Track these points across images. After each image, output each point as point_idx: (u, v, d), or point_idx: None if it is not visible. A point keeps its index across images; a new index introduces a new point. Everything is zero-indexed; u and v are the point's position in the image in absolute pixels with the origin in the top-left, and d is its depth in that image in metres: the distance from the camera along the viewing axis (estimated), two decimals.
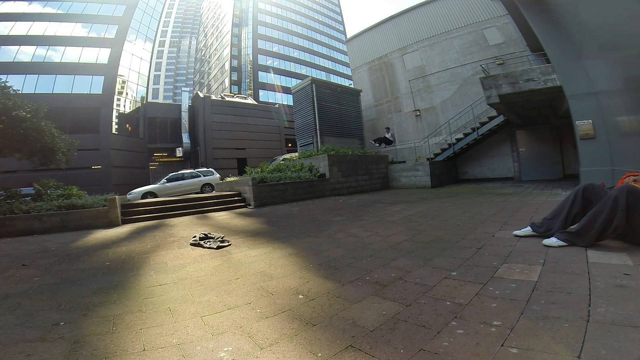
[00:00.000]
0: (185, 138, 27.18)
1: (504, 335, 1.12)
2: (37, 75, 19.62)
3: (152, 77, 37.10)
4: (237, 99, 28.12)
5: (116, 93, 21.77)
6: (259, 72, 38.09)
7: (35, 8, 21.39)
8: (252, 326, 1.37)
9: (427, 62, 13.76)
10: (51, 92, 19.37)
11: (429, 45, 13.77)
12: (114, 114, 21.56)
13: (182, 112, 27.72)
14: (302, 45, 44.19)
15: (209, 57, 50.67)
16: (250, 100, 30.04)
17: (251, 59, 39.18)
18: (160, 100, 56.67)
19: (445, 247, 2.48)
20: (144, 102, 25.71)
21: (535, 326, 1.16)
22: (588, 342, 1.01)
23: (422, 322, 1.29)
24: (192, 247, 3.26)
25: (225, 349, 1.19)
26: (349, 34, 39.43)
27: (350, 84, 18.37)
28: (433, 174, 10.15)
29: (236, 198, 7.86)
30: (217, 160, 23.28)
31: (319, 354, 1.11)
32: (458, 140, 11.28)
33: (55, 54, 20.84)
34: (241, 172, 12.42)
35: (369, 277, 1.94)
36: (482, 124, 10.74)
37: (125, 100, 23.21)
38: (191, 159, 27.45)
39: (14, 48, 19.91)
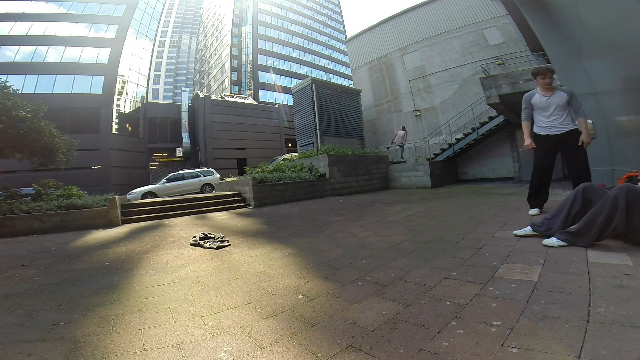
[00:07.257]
0: (185, 138, 27.19)
1: (504, 335, 1.12)
2: (37, 75, 19.61)
3: (152, 77, 37.10)
4: (237, 99, 28.12)
5: (116, 93, 21.77)
6: (259, 72, 38.09)
7: (35, 7, 21.38)
8: (252, 326, 1.37)
9: (427, 62, 13.77)
10: (51, 92, 19.36)
11: (429, 45, 13.77)
12: (114, 114, 21.56)
13: (182, 112, 27.74)
14: (302, 45, 44.18)
15: (209, 57, 50.67)
16: (250, 100, 30.04)
17: (251, 59, 39.17)
18: (160, 100, 56.65)
19: (445, 247, 2.48)
20: (144, 102, 25.72)
21: (535, 326, 1.16)
22: (588, 342, 1.01)
23: (422, 322, 1.29)
24: (192, 247, 3.26)
25: (225, 349, 1.19)
26: (349, 34, 39.42)
27: (350, 84, 18.37)
28: (433, 174, 10.15)
29: (236, 198, 7.86)
30: (217, 160, 23.28)
31: (319, 354, 1.11)
32: (458, 140, 11.28)
33: (55, 54, 20.83)
34: (241, 172, 12.42)
35: (369, 277, 1.94)
36: (482, 124, 10.75)
37: (125, 100, 23.21)
38: (191, 159, 27.45)
39: (14, 48, 19.90)
